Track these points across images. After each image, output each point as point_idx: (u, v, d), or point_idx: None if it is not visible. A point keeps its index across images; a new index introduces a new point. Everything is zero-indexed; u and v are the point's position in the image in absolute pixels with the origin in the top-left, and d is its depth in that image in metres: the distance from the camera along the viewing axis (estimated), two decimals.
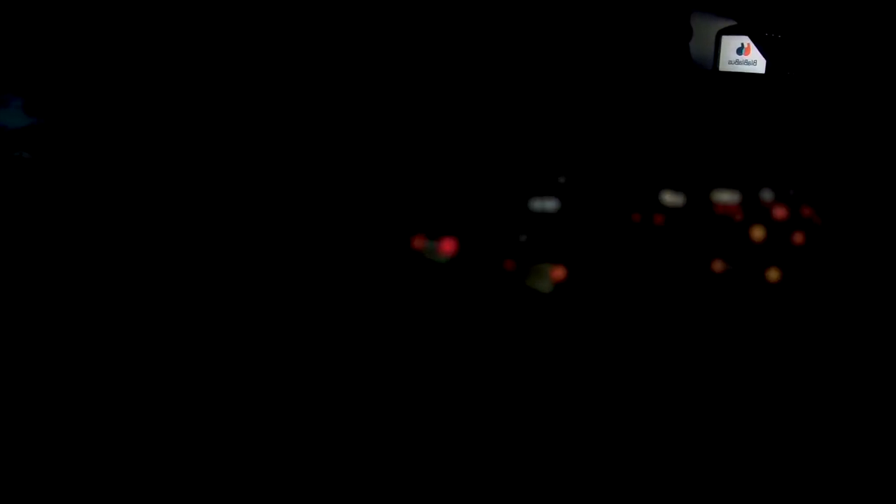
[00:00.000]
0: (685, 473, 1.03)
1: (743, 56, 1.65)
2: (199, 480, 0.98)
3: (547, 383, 1.23)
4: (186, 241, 1.19)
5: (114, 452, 1.00)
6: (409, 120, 1.28)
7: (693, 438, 1.10)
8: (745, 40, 1.70)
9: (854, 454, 1.04)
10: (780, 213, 1.41)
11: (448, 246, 1.24)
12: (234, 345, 1.15)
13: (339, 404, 1.10)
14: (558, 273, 1.39)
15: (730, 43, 1.67)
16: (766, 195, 1.43)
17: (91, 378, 1.05)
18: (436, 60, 1.31)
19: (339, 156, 1.25)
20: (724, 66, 1.72)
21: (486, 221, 1.40)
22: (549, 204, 1.43)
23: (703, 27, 1.73)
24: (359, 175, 1.25)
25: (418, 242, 1.23)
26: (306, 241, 1.18)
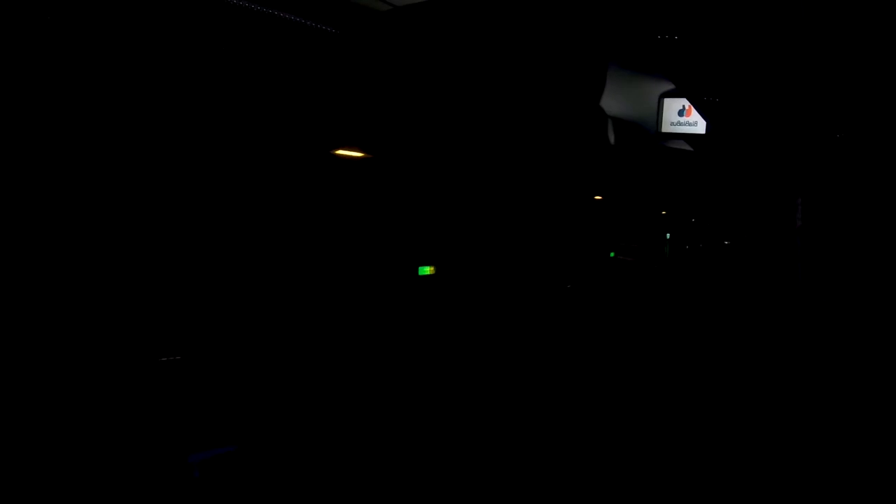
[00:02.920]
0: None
1: (684, 117, 1.81)
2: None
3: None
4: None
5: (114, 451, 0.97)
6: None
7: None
8: (687, 102, 1.84)
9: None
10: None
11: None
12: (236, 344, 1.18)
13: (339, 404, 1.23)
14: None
15: (671, 105, 1.81)
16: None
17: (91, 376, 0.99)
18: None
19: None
20: (666, 127, 1.86)
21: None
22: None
23: (646, 90, 1.88)
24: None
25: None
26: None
